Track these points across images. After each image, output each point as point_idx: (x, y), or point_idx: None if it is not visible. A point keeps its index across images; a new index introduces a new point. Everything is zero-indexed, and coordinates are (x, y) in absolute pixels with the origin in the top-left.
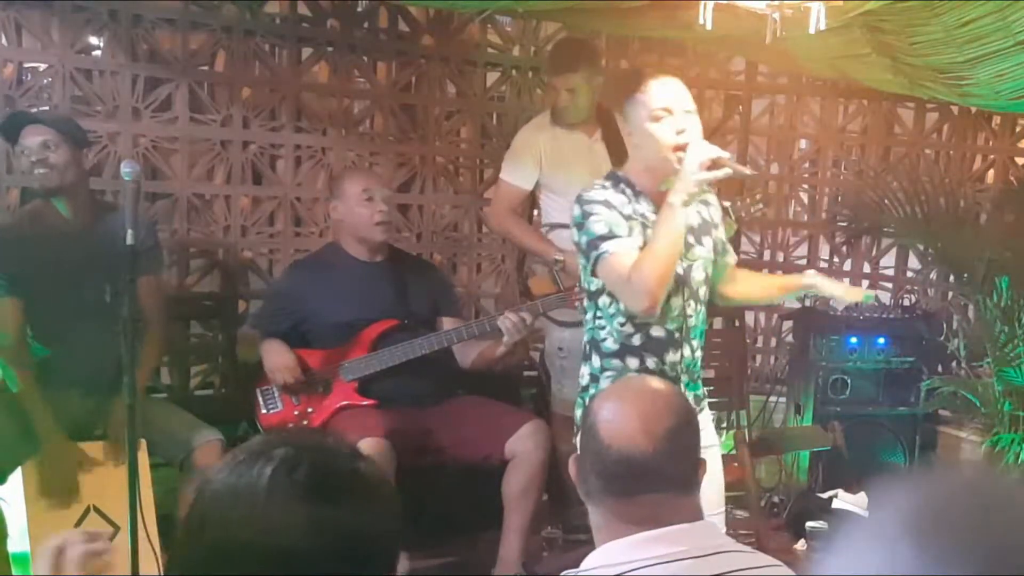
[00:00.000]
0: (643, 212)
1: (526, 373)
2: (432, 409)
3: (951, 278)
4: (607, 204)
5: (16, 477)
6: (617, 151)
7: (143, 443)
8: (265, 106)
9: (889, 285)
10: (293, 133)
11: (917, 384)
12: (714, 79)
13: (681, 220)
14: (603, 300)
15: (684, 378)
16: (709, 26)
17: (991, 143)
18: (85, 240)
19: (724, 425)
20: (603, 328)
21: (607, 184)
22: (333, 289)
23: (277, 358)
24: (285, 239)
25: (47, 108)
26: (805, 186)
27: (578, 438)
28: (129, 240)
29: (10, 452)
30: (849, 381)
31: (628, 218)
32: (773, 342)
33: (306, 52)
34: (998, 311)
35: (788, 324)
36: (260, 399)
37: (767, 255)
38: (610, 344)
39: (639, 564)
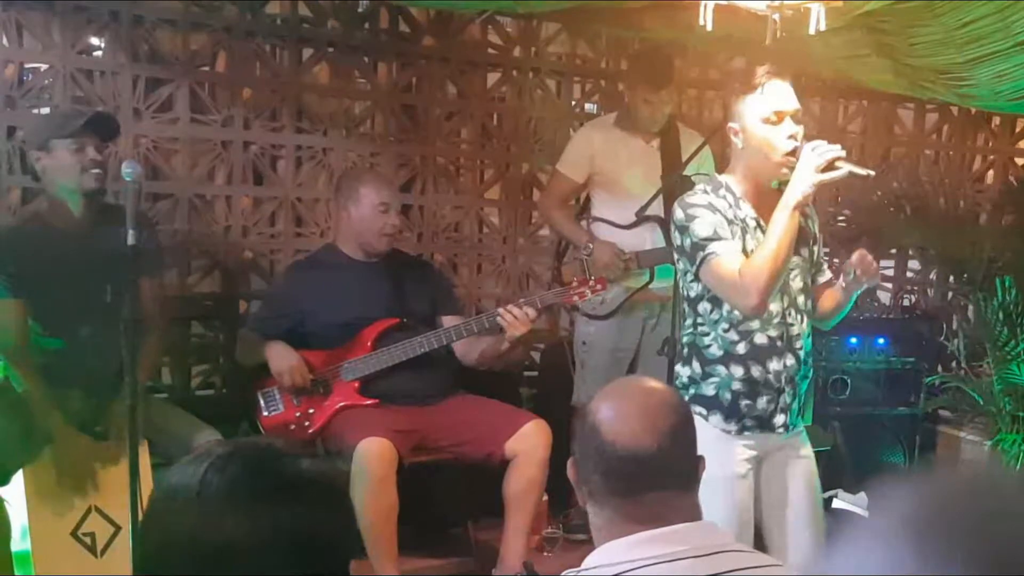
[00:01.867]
0: (744, 217)
1: (526, 373)
2: (433, 409)
3: (951, 278)
4: (711, 207)
5: (18, 477)
6: (671, 161)
7: (144, 443)
8: (266, 107)
9: (889, 285)
10: (294, 134)
11: (917, 384)
12: (714, 79)
13: (795, 222)
14: (703, 306)
15: (787, 391)
16: (709, 27)
17: (991, 143)
18: (88, 240)
19: None
20: (707, 335)
21: (708, 188)
22: (332, 290)
23: (284, 360)
24: (286, 239)
25: (48, 108)
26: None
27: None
28: (130, 240)
29: (13, 453)
30: (849, 381)
31: (730, 222)
32: None
33: (307, 53)
34: (999, 311)
35: None
36: (261, 401)
37: None
38: (714, 351)
39: (639, 563)
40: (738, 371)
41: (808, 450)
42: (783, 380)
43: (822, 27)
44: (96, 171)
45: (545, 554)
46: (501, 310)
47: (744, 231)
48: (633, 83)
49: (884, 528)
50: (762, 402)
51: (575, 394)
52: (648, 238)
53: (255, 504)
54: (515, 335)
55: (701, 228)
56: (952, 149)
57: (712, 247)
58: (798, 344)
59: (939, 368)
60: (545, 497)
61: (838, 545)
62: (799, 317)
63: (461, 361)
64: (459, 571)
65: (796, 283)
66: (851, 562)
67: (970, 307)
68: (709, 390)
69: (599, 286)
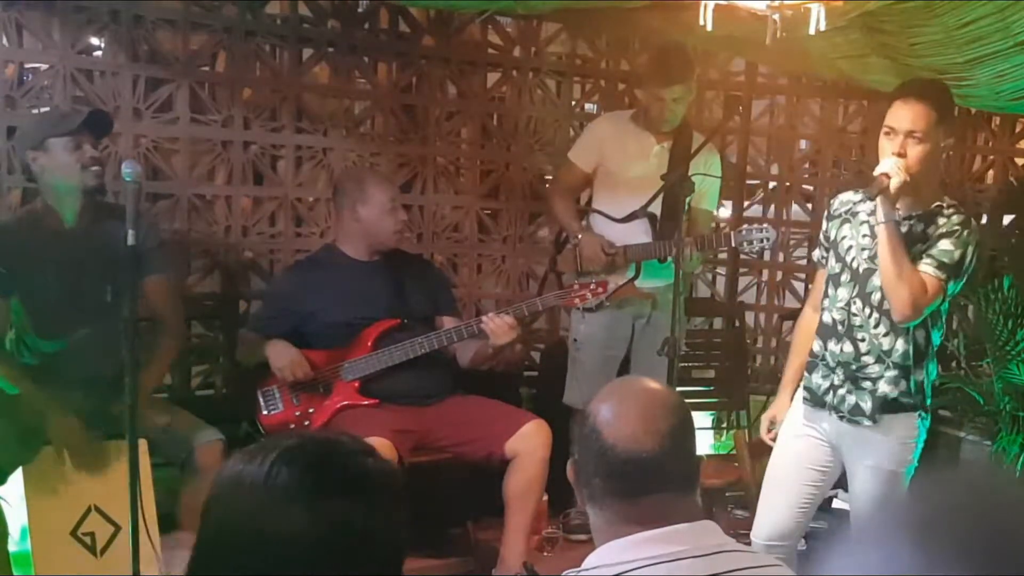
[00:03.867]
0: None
1: (526, 373)
2: (433, 408)
3: None
4: None
5: (16, 477)
6: (678, 162)
7: (144, 443)
8: (266, 107)
9: None
10: (294, 134)
11: None
12: (714, 79)
13: (882, 235)
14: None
15: (840, 374)
16: (710, 27)
17: (991, 143)
18: (85, 240)
19: (724, 425)
20: None
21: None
22: (332, 290)
23: (283, 356)
24: (286, 240)
25: (48, 108)
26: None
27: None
28: (130, 240)
29: (10, 453)
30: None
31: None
32: (773, 342)
33: (307, 53)
34: (999, 310)
35: (788, 324)
36: (261, 400)
37: (767, 255)
38: None
39: (639, 564)
40: (814, 345)
41: (879, 459)
42: (837, 361)
43: (822, 27)
44: (95, 168)
45: (545, 554)
46: (484, 318)
47: (845, 222)
48: (645, 79)
49: (884, 528)
50: (817, 377)
51: (567, 393)
52: (640, 233)
53: (320, 497)
54: (498, 343)
55: None
56: (952, 149)
57: None
58: (860, 335)
59: (939, 368)
60: (545, 497)
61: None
62: (867, 311)
63: (458, 362)
64: (459, 571)
65: (876, 280)
66: (851, 562)
67: (970, 307)
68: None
69: (600, 289)
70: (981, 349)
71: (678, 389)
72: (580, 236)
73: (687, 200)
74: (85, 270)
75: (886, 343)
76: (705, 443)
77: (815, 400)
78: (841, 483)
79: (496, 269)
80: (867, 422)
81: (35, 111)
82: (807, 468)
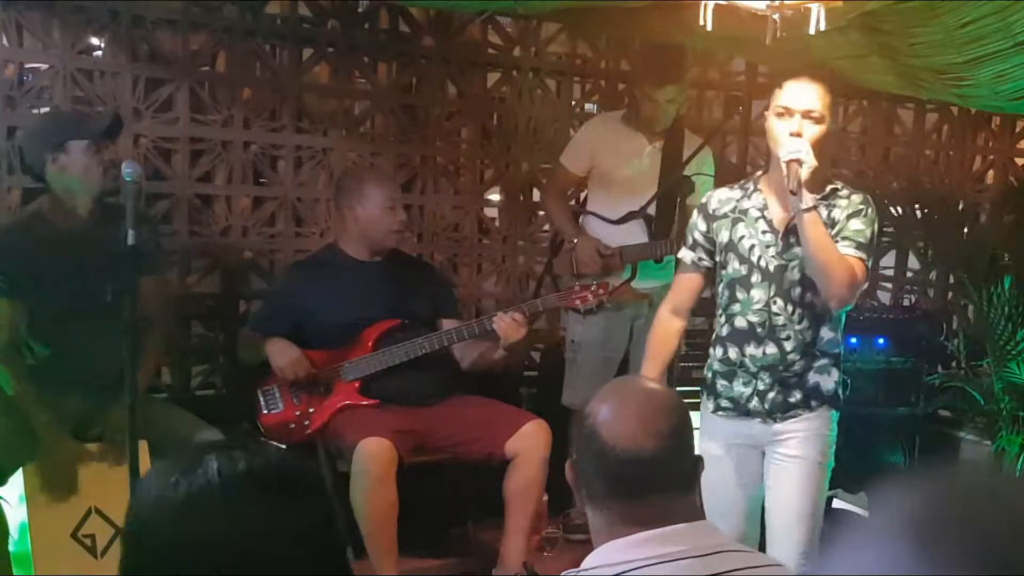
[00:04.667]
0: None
1: (526, 373)
2: (433, 409)
3: (951, 278)
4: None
5: (16, 478)
6: (671, 163)
7: (144, 443)
8: (266, 107)
9: (889, 285)
10: (294, 134)
11: (917, 384)
12: (714, 79)
13: (807, 223)
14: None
15: (765, 379)
16: (710, 27)
17: (991, 143)
18: (91, 240)
19: None
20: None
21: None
22: (333, 290)
23: (284, 355)
24: (286, 239)
25: (48, 109)
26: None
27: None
28: (130, 240)
29: (10, 453)
30: (849, 381)
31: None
32: None
33: (307, 53)
34: (999, 311)
35: None
36: (261, 400)
37: None
38: (716, 334)
39: (639, 563)
40: (719, 352)
41: (806, 451)
42: (759, 366)
43: (822, 27)
44: (112, 171)
45: (545, 554)
46: (496, 316)
47: (736, 222)
48: (638, 78)
49: (884, 528)
50: (738, 385)
51: (565, 395)
52: (635, 235)
53: (237, 505)
54: (510, 341)
55: None
56: (952, 149)
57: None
58: (784, 334)
59: (939, 368)
60: (545, 497)
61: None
62: (790, 308)
63: (459, 364)
64: (459, 571)
65: (793, 275)
66: (851, 562)
67: (970, 307)
68: (705, 370)
69: (601, 291)
70: (981, 349)
71: (678, 389)
72: (576, 240)
73: (684, 200)
74: (90, 270)
75: (809, 335)
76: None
77: (739, 409)
78: (841, 483)
79: (496, 269)
80: (805, 412)
81: (36, 111)
82: (750, 483)
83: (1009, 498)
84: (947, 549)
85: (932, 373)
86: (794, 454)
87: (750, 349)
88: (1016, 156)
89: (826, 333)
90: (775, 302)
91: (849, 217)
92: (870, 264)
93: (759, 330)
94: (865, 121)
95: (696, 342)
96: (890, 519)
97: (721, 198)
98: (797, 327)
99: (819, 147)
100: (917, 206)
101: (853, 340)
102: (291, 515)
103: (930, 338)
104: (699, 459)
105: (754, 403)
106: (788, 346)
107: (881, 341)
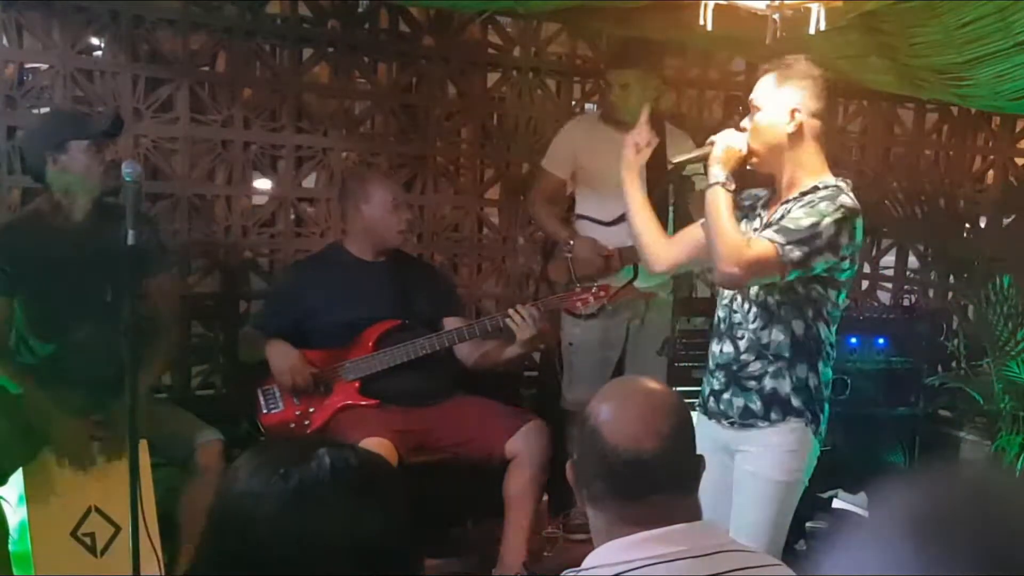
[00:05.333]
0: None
1: (526, 373)
2: (433, 409)
3: (951, 278)
4: None
5: (16, 477)
6: (655, 160)
7: (144, 443)
8: (266, 107)
9: (889, 285)
10: (294, 134)
11: (917, 384)
12: (714, 79)
13: (707, 197)
14: None
15: (720, 378)
16: (709, 27)
17: (991, 143)
18: (90, 240)
19: None
20: None
21: None
22: (335, 289)
23: (284, 360)
24: (286, 239)
25: (48, 109)
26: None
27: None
28: (130, 240)
29: (10, 453)
30: (849, 381)
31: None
32: None
33: (307, 53)
34: (999, 310)
35: None
36: (261, 399)
37: None
38: None
39: (639, 563)
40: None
41: (763, 467)
42: (715, 364)
43: (822, 27)
44: (112, 171)
45: (545, 554)
46: (511, 311)
47: (745, 214)
48: (606, 68)
49: (884, 528)
50: (705, 382)
51: (563, 397)
52: (631, 235)
53: (323, 509)
54: (524, 337)
55: None
56: (952, 149)
57: None
58: (740, 332)
59: (939, 368)
60: (545, 497)
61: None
62: (746, 305)
63: (463, 363)
64: (459, 571)
65: None
66: (851, 562)
67: (970, 307)
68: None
69: (603, 293)
70: (981, 349)
71: (678, 389)
72: (573, 242)
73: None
74: (90, 270)
75: (763, 336)
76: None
77: (703, 409)
78: (841, 483)
79: (496, 269)
80: (762, 423)
81: (36, 111)
82: (712, 489)
83: (1009, 498)
84: (947, 549)
85: (932, 373)
86: (750, 468)
87: (713, 346)
88: (1016, 156)
89: (777, 335)
90: (736, 299)
91: (799, 208)
92: (796, 254)
93: (721, 326)
94: (865, 121)
95: (696, 342)
96: (890, 519)
97: (751, 193)
98: (751, 326)
99: (756, 135)
100: (917, 206)
101: (853, 340)
102: (380, 511)
103: (930, 338)
104: (700, 459)
105: (711, 403)
106: (742, 345)
107: (881, 341)
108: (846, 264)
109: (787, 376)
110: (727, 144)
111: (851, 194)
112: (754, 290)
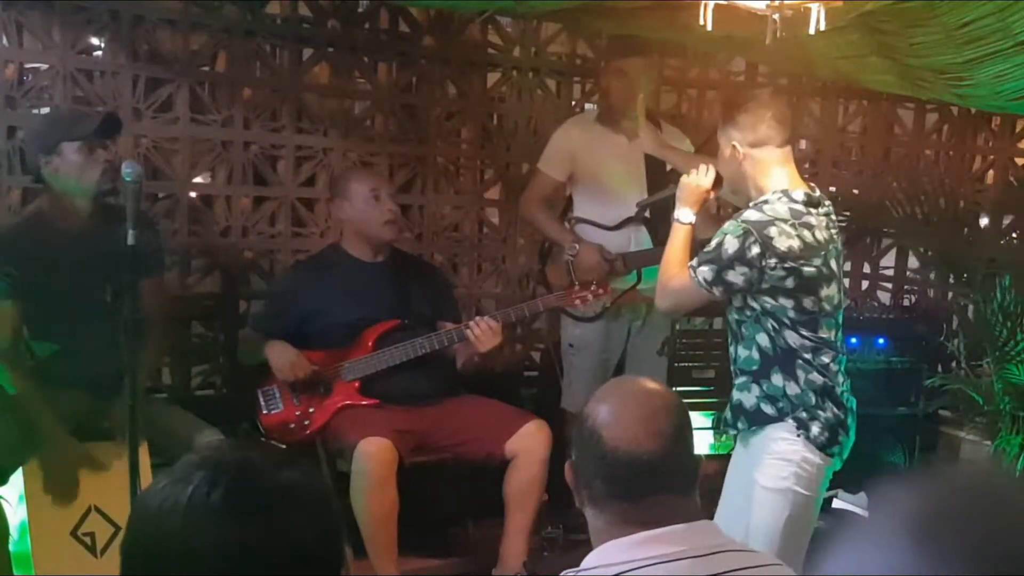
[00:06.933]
0: None
1: (526, 373)
2: (433, 409)
3: (951, 278)
4: None
5: (16, 477)
6: (653, 159)
7: (144, 443)
8: (266, 107)
9: (889, 285)
10: (294, 134)
11: (917, 384)
12: (714, 79)
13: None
14: None
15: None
16: (709, 27)
17: (991, 143)
18: (90, 240)
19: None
20: None
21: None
22: (335, 289)
23: (283, 356)
24: (286, 240)
25: (49, 109)
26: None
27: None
28: (130, 240)
29: (10, 453)
30: (849, 381)
31: None
32: None
33: (307, 53)
34: (999, 311)
35: None
36: (261, 399)
37: None
38: None
39: (638, 563)
40: None
41: (743, 468)
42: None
43: (822, 27)
44: (112, 171)
45: (545, 554)
46: (470, 323)
47: None
48: (605, 61)
49: (884, 528)
50: None
51: (564, 398)
52: (633, 239)
53: (245, 521)
54: (483, 349)
55: None
56: (952, 149)
57: None
58: (731, 346)
59: (939, 368)
60: (545, 497)
61: (838, 545)
62: (722, 324)
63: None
64: (459, 571)
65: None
66: (851, 562)
67: (970, 307)
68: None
69: (602, 291)
70: (981, 349)
71: (677, 389)
72: (578, 247)
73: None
74: (90, 271)
75: (732, 352)
76: (705, 443)
77: None
78: (841, 483)
79: (496, 269)
80: (731, 431)
81: (36, 111)
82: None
83: (1009, 498)
84: (947, 549)
85: (932, 373)
86: (737, 472)
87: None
88: (1016, 156)
89: (743, 351)
90: (721, 319)
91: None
92: (707, 274)
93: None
94: (865, 121)
95: (696, 342)
96: (890, 519)
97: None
98: (729, 341)
99: (721, 170)
100: (917, 206)
101: (853, 340)
102: (294, 528)
103: (930, 338)
104: (700, 459)
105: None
106: (740, 346)
107: (881, 341)
108: (780, 272)
109: (751, 388)
110: (691, 185)
111: (781, 206)
112: (728, 310)
